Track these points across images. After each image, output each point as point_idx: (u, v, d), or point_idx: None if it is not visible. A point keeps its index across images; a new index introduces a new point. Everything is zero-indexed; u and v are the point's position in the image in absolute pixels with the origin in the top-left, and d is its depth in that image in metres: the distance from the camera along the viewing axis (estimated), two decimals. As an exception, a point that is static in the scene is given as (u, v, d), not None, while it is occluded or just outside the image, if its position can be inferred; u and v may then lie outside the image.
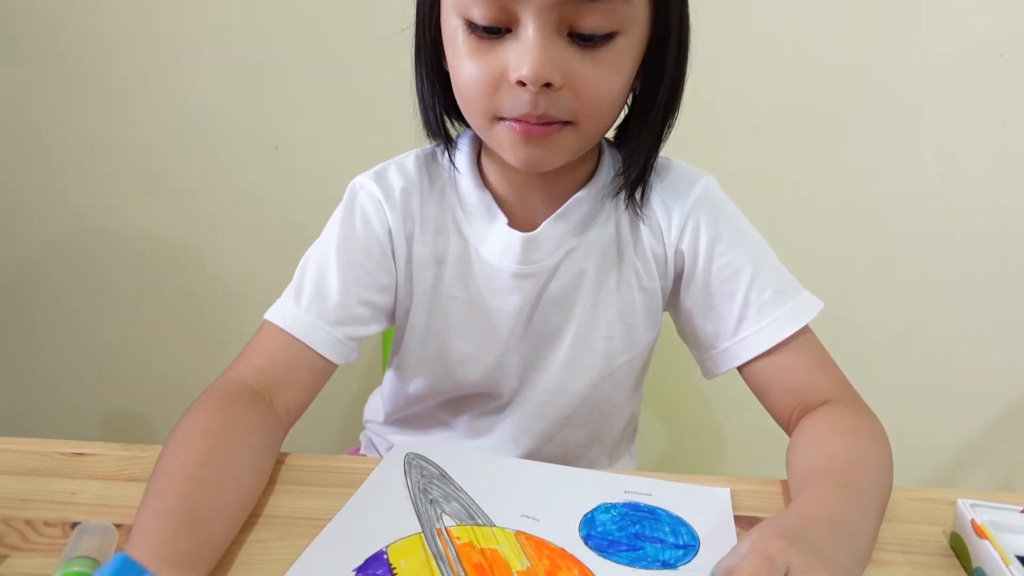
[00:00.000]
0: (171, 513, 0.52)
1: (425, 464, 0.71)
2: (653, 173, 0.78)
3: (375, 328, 0.82)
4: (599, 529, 0.62)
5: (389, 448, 0.95)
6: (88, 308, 1.69)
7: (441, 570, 0.56)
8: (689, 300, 0.82)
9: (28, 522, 0.61)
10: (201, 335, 1.67)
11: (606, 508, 0.65)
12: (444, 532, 0.60)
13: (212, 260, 1.61)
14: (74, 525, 0.58)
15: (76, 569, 0.49)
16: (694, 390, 1.58)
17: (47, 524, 0.60)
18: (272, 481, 0.67)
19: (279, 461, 0.70)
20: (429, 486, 0.67)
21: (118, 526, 0.58)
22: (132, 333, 1.70)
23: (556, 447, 0.88)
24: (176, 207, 1.58)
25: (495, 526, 0.62)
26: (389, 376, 0.94)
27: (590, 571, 0.56)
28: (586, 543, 0.60)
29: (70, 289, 1.69)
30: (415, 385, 0.89)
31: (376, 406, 1.00)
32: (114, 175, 1.58)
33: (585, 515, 0.64)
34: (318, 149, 1.48)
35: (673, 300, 0.85)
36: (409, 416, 0.93)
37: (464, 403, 0.88)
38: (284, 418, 0.72)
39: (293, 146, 1.49)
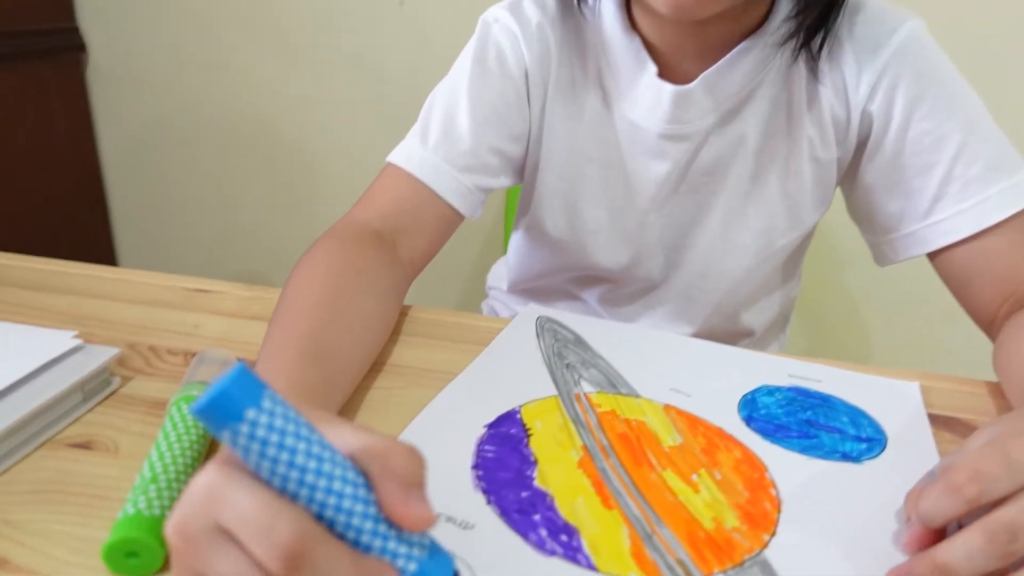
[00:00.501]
0: (296, 345, 0.47)
1: (559, 328, 0.64)
2: (841, 15, 0.64)
3: (503, 182, 0.74)
4: (762, 412, 0.53)
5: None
6: (214, 162, 1.72)
7: (581, 435, 0.49)
8: (872, 173, 0.69)
9: (152, 348, 0.59)
10: (316, 195, 1.66)
11: (769, 391, 0.56)
12: (583, 398, 0.54)
13: (331, 118, 1.58)
14: (195, 355, 0.55)
15: (195, 393, 0.46)
16: (838, 287, 1.43)
17: (170, 352, 0.58)
18: (396, 332, 0.63)
19: (402, 313, 0.66)
20: (564, 350, 0.60)
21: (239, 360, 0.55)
22: (253, 189, 1.72)
23: (701, 337, 0.79)
24: (297, 64, 1.54)
25: (640, 397, 0.54)
26: (515, 242, 0.86)
27: (755, 455, 0.48)
28: (747, 424, 0.52)
29: (196, 143, 1.71)
30: (542, 256, 0.81)
31: (500, 274, 0.94)
32: (238, 33, 1.55)
33: (744, 396, 0.55)
34: (447, 5, 1.38)
35: (851, 173, 0.72)
36: (536, 288, 0.86)
37: (596, 282, 0.80)
38: (408, 267, 0.66)
39: (419, 1, 1.39)
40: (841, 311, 1.45)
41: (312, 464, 0.30)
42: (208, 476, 0.30)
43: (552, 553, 0.39)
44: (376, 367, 0.57)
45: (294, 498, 0.30)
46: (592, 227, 0.75)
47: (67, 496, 0.42)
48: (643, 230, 0.73)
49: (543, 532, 0.40)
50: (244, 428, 0.29)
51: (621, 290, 0.79)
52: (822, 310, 1.45)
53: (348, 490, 0.30)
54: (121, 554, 0.36)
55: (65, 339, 0.51)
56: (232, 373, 0.29)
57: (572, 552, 0.39)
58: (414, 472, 0.31)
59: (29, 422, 0.45)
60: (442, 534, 0.40)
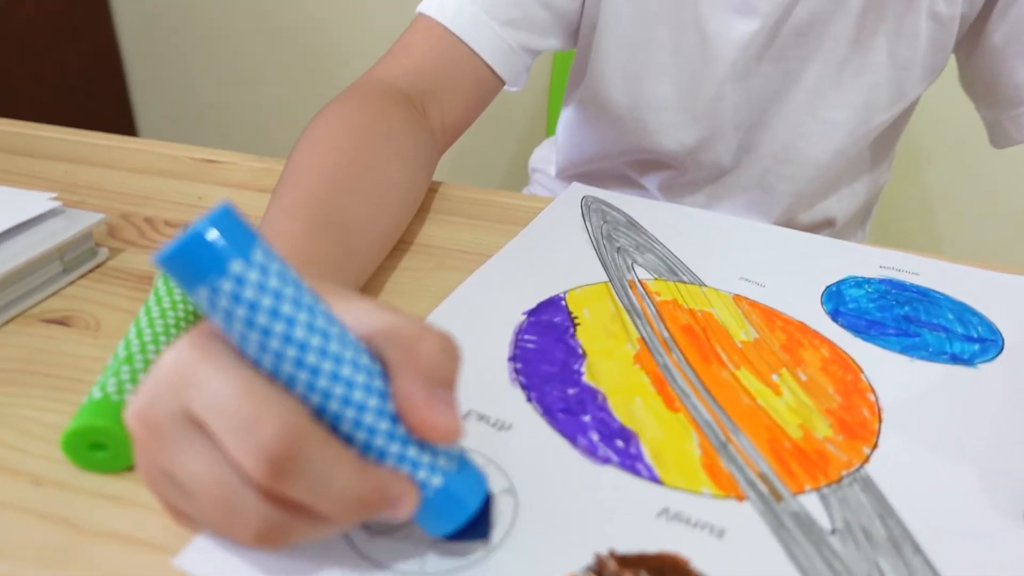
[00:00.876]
0: (306, 212, 0.40)
1: (608, 209, 0.55)
2: None
3: (552, 43, 0.64)
4: (850, 306, 0.45)
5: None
6: (234, 36, 1.63)
7: (637, 326, 0.42)
8: (1002, 33, 0.57)
9: (148, 219, 0.52)
10: (338, 69, 1.56)
11: (857, 282, 0.48)
12: (638, 285, 0.46)
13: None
14: (194, 225, 0.48)
15: (186, 264, 0.39)
16: (915, 183, 1.31)
17: (167, 223, 0.51)
18: (424, 209, 0.55)
19: (431, 190, 0.58)
20: (614, 233, 0.52)
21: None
22: (273, 62, 1.62)
23: None
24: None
25: (706, 286, 0.46)
26: (565, 119, 0.76)
27: (846, 353, 0.40)
28: (834, 319, 0.44)
29: (215, 16, 1.61)
30: (596, 136, 0.71)
31: (547, 156, 0.84)
32: None
33: (828, 287, 0.47)
34: None
35: (974, 33, 0.60)
36: (588, 173, 0.76)
37: (657, 167, 0.70)
38: (439, 135, 0.58)
39: None
40: (913, 211, 1.33)
41: (314, 341, 0.23)
42: (179, 352, 0.23)
43: (606, 461, 0.32)
44: (401, 246, 0.50)
45: (288, 386, 0.23)
46: (657, 102, 0.64)
47: (36, 377, 0.36)
48: (716, 106, 0.63)
49: (594, 436, 0.34)
50: (227, 286, 0.22)
51: (685, 177, 0.69)
52: (892, 208, 1.33)
53: (359, 379, 0.23)
54: (84, 445, 0.29)
55: (41, 201, 0.44)
56: (214, 213, 0.22)
57: (630, 460, 0.32)
58: (445, 368, 0.24)
59: (-3, 292, 0.39)
60: (474, 433, 0.33)
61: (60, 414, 0.33)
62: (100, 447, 0.30)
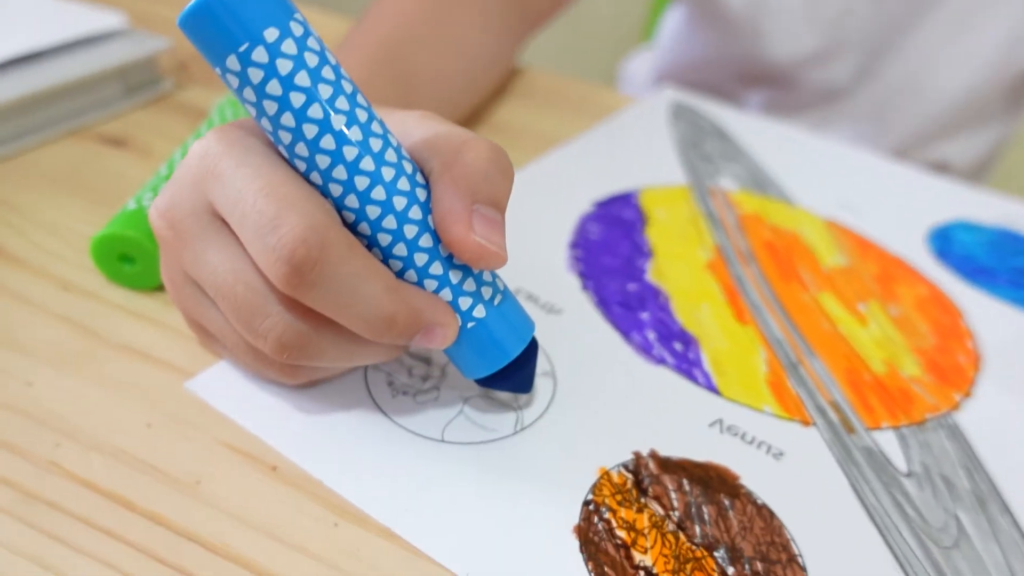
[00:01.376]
0: (369, 52, 0.36)
1: (699, 118, 0.51)
2: None
3: None
4: (959, 250, 0.40)
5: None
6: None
7: (714, 233, 0.38)
8: None
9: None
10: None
11: (968, 227, 0.42)
12: (720, 193, 0.42)
13: None
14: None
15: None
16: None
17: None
18: (504, 90, 0.51)
19: (515, 73, 0.54)
20: (701, 140, 0.48)
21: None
22: None
23: None
24: None
25: (796, 206, 0.42)
26: (671, 23, 0.70)
27: (947, 296, 0.36)
28: (940, 258, 0.39)
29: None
30: (704, 41, 0.65)
31: (640, 66, 0.79)
32: None
33: (936, 228, 0.42)
34: None
35: None
36: (689, 83, 0.71)
37: (765, 82, 0.64)
38: (528, 14, 0.53)
39: None
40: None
41: (353, 134, 0.20)
42: (205, 145, 0.21)
43: (660, 361, 0.29)
44: (473, 121, 0.46)
45: (322, 187, 0.20)
46: (778, 4, 0.58)
47: (82, 190, 0.35)
48: (843, 19, 0.56)
49: (651, 335, 0.30)
50: (260, 56, 0.19)
51: (793, 96, 0.63)
52: (1016, 163, 1.21)
53: (401, 185, 0.20)
54: (113, 255, 0.28)
55: (109, 19, 0.42)
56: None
57: (687, 365, 0.29)
58: (491, 182, 0.21)
59: (56, 100, 0.38)
60: (519, 313, 0.30)
61: (98, 227, 0.32)
62: (129, 260, 0.28)
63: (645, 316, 0.31)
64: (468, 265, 0.21)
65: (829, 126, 0.62)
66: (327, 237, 0.19)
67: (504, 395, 0.26)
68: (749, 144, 0.48)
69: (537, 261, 0.34)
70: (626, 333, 0.30)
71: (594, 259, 0.34)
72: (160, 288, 0.29)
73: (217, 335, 0.23)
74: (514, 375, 0.24)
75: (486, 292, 0.22)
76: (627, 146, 0.45)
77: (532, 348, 0.24)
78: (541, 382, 0.27)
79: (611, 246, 0.36)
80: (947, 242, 0.41)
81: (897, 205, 0.43)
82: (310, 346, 0.21)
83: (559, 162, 0.42)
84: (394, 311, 0.20)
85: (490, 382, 0.24)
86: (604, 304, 0.32)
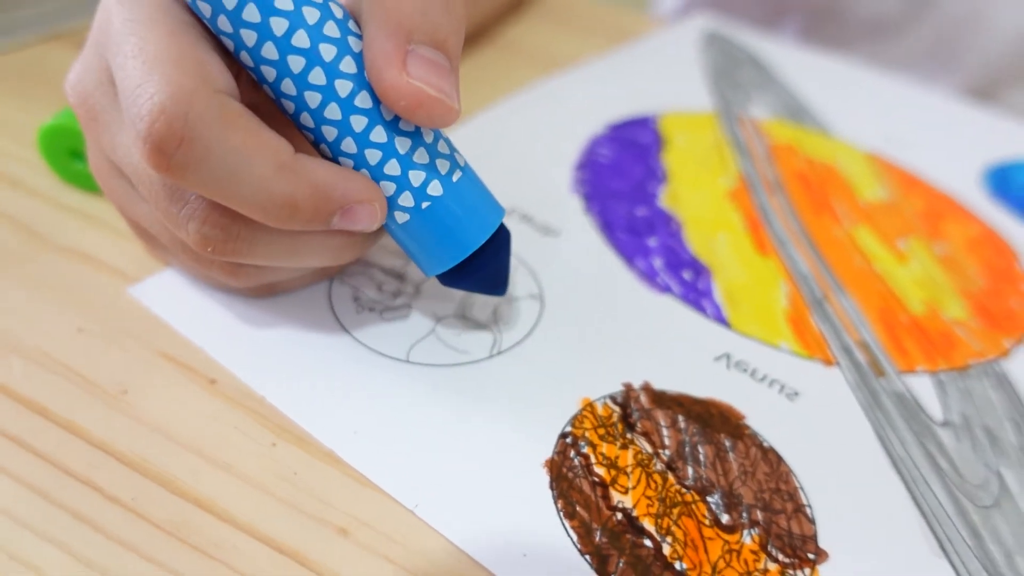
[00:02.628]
0: None
1: (732, 47, 0.46)
2: None
3: None
4: (1019, 191, 0.36)
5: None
6: None
7: (739, 162, 0.34)
8: None
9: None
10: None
11: (1031, 167, 0.38)
12: (749, 122, 0.38)
13: None
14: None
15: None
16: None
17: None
18: (522, 11, 0.47)
19: (531, -6, 0.50)
20: (734, 69, 0.43)
21: None
22: None
23: None
24: None
25: (834, 138, 0.38)
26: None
27: (1002, 237, 0.32)
28: (997, 197, 0.34)
29: None
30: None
31: None
32: None
33: (996, 165, 0.37)
34: None
35: None
36: (722, 12, 0.65)
37: (812, 13, 0.58)
38: None
39: None
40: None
41: None
42: (103, 6, 0.18)
43: (665, 289, 0.26)
44: (481, 38, 0.43)
45: (232, 32, 0.17)
46: None
47: (50, 93, 0.32)
48: None
49: (657, 261, 0.27)
50: None
51: (837, 27, 0.57)
52: None
53: (329, 31, 0.17)
54: (63, 150, 0.25)
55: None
56: None
57: (695, 295, 0.26)
58: (430, 21, 0.17)
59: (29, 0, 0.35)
60: (511, 232, 0.27)
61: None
62: (80, 156, 0.25)
63: (652, 242, 0.28)
64: (410, 119, 0.17)
65: (880, 65, 0.57)
66: (194, 106, 0.16)
67: (482, 316, 0.23)
68: (787, 74, 0.43)
69: (537, 183, 0.30)
70: (629, 259, 0.27)
71: (601, 182, 0.31)
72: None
73: (152, 231, 0.21)
74: (482, 270, 0.20)
75: (442, 166, 0.19)
76: (651, 71, 0.41)
77: (503, 239, 0.20)
78: (525, 305, 0.24)
79: (622, 169, 0.32)
80: (1007, 181, 0.36)
81: (951, 140, 0.39)
82: (236, 239, 0.18)
83: (574, 82, 0.38)
84: (291, 191, 0.17)
85: (455, 279, 0.20)
86: (608, 228, 0.28)
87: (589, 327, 0.24)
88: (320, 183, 0.17)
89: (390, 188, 0.18)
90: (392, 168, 0.18)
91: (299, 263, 0.19)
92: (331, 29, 0.17)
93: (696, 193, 0.31)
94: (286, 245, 0.18)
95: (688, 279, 0.26)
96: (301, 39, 0.17)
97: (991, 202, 0.34)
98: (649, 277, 0.26)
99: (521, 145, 0.32)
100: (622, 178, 0.31)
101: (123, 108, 0.16)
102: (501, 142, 0.32)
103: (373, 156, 0.18)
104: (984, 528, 0.19)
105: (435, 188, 0.18)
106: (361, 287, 0.24)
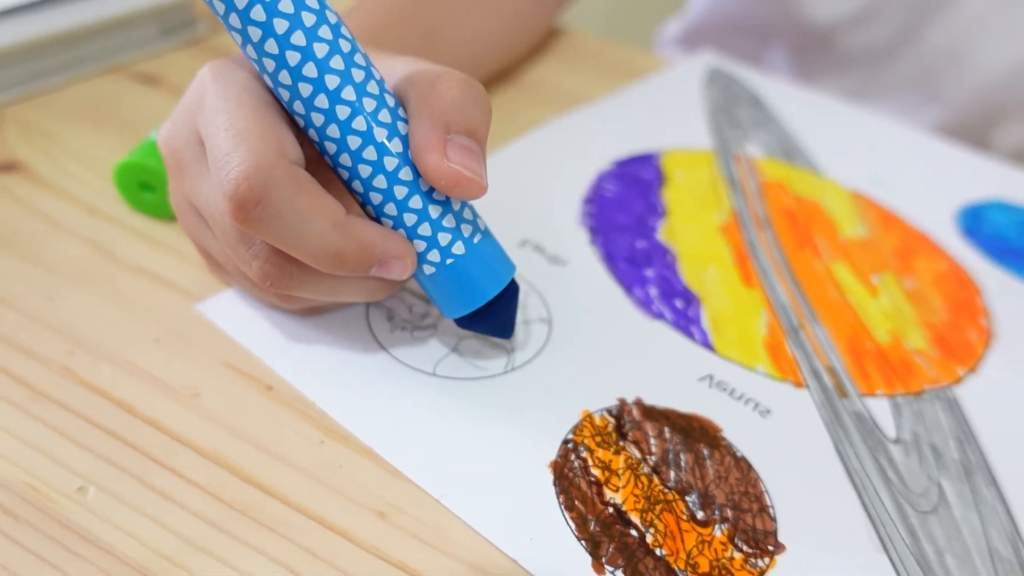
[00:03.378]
0: (395, 10, 0.37)
1: (734, 83, 0.50)
2: None
3: None
4: (989, 229, 0.39)
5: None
6: None
7: (732, 198, 0.38)
8: None
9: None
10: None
11: (1003, 208, 0.41)
12: (745, 160, 0.41)
13: None
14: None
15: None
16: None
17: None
18: (541, 51, 0.51)
19: (553, 34, 0.53)
20: (734, 106, 0.47)
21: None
22: None
23: None
24: None
25: (822, 177, 0.41)
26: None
27: (967, 273, 0.35)
28: (967, 236, 0.38)
29: None
30: (734, 3, 0.63)
31: (673, 29, 0.77)
32: None
33: (967, 206, 0.41)
34: None
35: None
36: (716, 45, 0.69)
37: (802, 47, 0.61)
38: None
39: None
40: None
41: (335, 63, 0.20)
42: (199, 75, 0.22)
43: (658, 316, 0.29)
44: (502, 78, 0.46)
45: (304, 114, 0.21)
46: None
47: (114, 123, 0.36)
48: None
49: (652, 291, 0.31)
50: None
51: (820, 52, 0.60)
52: None
53: (382, 117, 0.21)
54: (135, 183, 0.29)
55: (151, -39, 0.43)
56: None
57: (684, 322, 0.29)
58: (466, 113, 0.21)
59: (95, 37, 0.39)
60: (524, 262, 0.31)
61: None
62: (149, 188, 0.29)
63: (650, 273, 0.32)
64: (447, 194, 0.21)
65: (868, 96, 0.60)
66: (272, 175, 0.19)
67: (497, 338, 0.27)
68: (783, 113, 0.47)
69: (549, 214, 0.34)
70: (628, 288, 0.30)
71: (606, 216, 0.35)
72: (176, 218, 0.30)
73: (220, 261, 0.25)
74: (493, 317, 0.24)
75: (465, 230, 0.22)
76: (656, 108, 0.45)
77: (512, 291, 0.24)
78: (536, 328, 0.28)
79: (625, 204, 0.36)
80: (977, 221, 0.40)
81: (930, 180, 0.42)
82: (291, 277, 0.22)
83: (585, 119, 0.42)
84: (341, 247, 0.20)
85: (470, 323, 0.24)
86: (610, 259, 0.32)
87: (591, 348, 0.27)
88: (365, 240, 0.21)
89: (421, 246, 0.22)
90: (424, 230, 0.22)
91: (339, 299, 0.23)
92: (384, 116, 0.21)
93: (691, 227, 0.35)
94: (330, 285, 0.22)
95: (679, 307, 0.30)
96: (360, 123, 0.21)
97: (962, 240, 0.38)
98: (645, 305, 0.30)
99: (535, 180, 0.36)
100: (625, 212, 0.35)
101: (212, 169, 0.20)
102: (517, 177, 0.36)
103: (409, 219, 0.22)
104: (921, 530, 0.23)
105: (458, 248, 0.22)
106: (394, 308, 0.27)
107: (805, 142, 0.44)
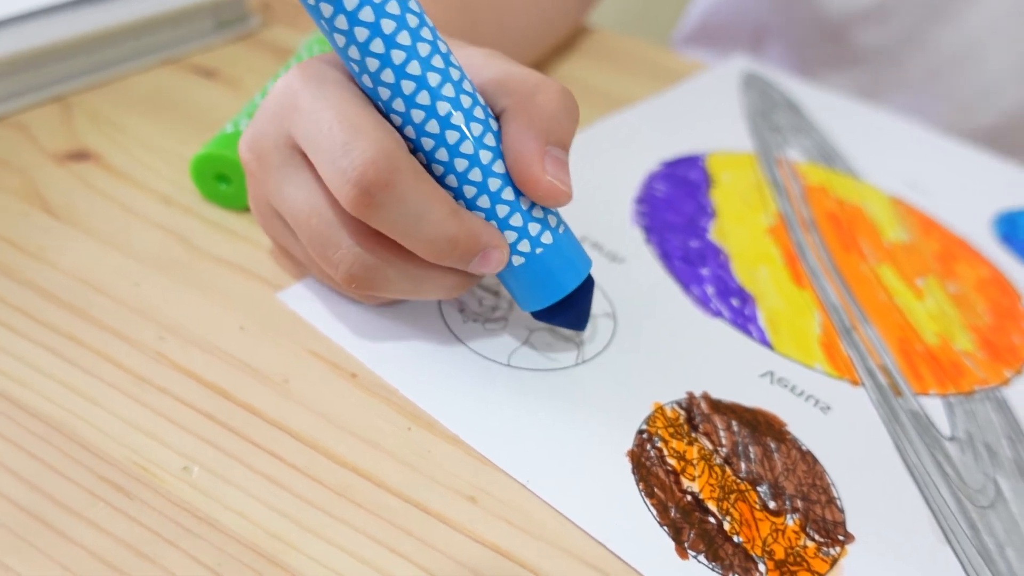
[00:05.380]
0: (445, 17, 0.38)
1: (770, 88, 0.51)
2: None
3: None
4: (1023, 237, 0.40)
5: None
6: None
7: (777, 201, 0.39)
8: None
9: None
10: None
11: (1037, 215, 0.42)
12: (786, 164, 0.42)
13: None
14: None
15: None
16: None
17: None
18: (570, 48, 0.52)
19: (582, 32, 0.54)
20: (772, 112, 0.48)
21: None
22: None
23: None
24: None
25: (862, 181, 0.42)
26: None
27: (1008, 279, 0.36)
28: (1005, 242, 0.39)
29: None
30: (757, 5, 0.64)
31: (684, 25, 0.78)
32: None
33: (1005, 212, 0.42)
34: None
35: None
36: (718, 38, 0.69)
37: (813, 42, 0.62)
38: None
39: None
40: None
41: (436, 63, 0.21)
42: (287, 79, 0.23)
43: (717, 314, 0.30)
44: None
45: (404, 112, 0.22)
46: None
47: (177, 115, 0.37)
48: None
49: (709, 289, 0.32)
50: None
51: (842, 55, 0.60)
52: None
53: (477, 114, 0.22)
54: (210, 174, 0.30)
55: (207, -44, 0.44)
56: None
57: (743, 320, 0.30)
58: (562, 125, 0.22)
59: (155, 29, 0.40)
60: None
61: (194, 149, 0.34)
62: (224, 179, 0.30)
63: (705, 272, 0.32)
64: (540, 203, 0.22)
65: (876, 95, 0.60)
66: (396, 161, 0.20)
67: (566, 331, 0.28)
68: (820, 118, 0.48)
69: (604, 213, 0.35)
70: (686, 285, 0.31)
71: (659, 215, 0.36)
72: (249, 209, 0.31)
73: (301, 260, 0.25)
74: (570, 310, 0.25)
75: (551, 220, 0.23)
76: (696, 111, 0.46)
77: (588, 285, 0.25)
78: (602, 322, 0.28)
79: (676, 204, 0.37)
80: (1015, 227, 0.41)
81: (965, 187, 0.43)
82: (376, 278, 0.22)
83: (629, 121, 0.43)
84: (456, 233, 0.21)
85: (546, 316, 0.25)
86: (666, 257, 0.33)
87: (655, 344, 0.28)
88: (474, 229, 0.22)
89: (512, 236, 0.23)
90: (516, 220, 0.23)
91: (418, 297, 0.24)
92: (479, 112, 0.22)
93: (740, 228, 0.36)
94: (411, 283, 0.23)
95: (736, 306, 0.31)
96: (457, 119, 0.22)
97: (999, 246, 0.39)
98: (703, 303, 0.31)
99: (587, 179, 0.37)
100: (676, 212, 0.36)
101: (326, 162, 0.21)
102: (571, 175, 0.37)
103: (502, 210, 0.23)
104: (981, 524, 0.24)
105: (547, 237, 0.23)
106: (465, 301, 0.28)
107: (843, 147, 0.45)
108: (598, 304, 0.29)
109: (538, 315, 0.25)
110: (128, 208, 0.30)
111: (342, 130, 0.20)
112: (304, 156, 0.23)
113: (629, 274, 0.31)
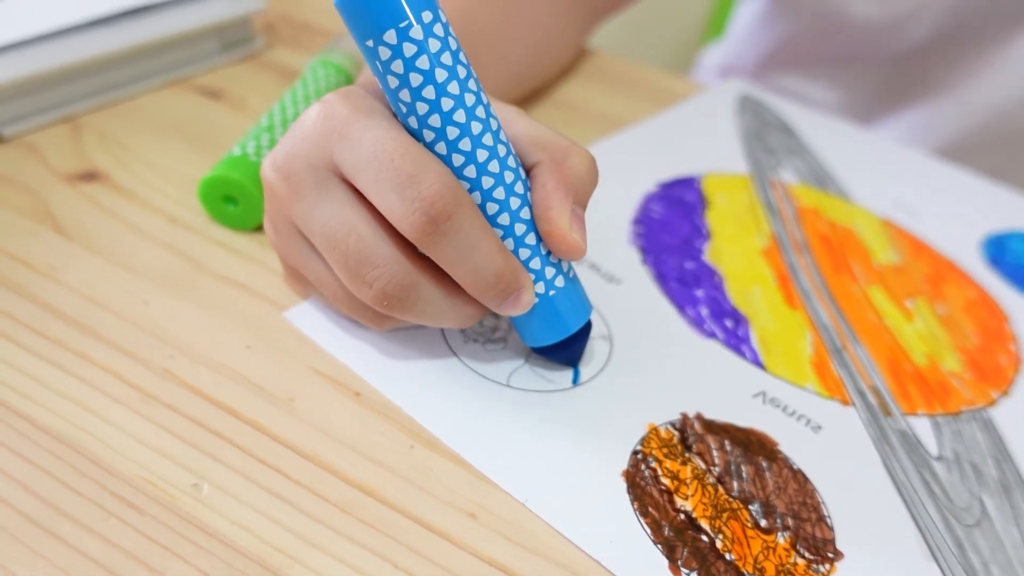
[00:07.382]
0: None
1: (764, 110, 0.52)
2: None
3: None
4: (1012, 258, 0.41)
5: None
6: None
7: (770, 223, 0.39)
8: None
9: (305, 24, 0.52)
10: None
11: (1025, 238, 0.43)
12: (780, 185, 0.43)
13: None
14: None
15: (336, 60, 0.39)
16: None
17: (323, 34, 0.52)
18: (571, 71, 0.53)
19: (584, 55, 0.55)
20: (767, 134, 0.49)
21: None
22: None
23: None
24: None
25: (853, 203, 0.43)
26: (742, 18, 0.71)
27: (995, 300, 0.37)
28: (992, 265, 0.40)
29: None
30: (774, 27, 0.65)
31: (712, 59, 0.79)
32: None
33: (992, 235, 0.43)
34: None
35: None
36: (759, 74, 0.71)
37: (849, 67, 0.62)
38: (598, 3, 0.54)
39: None
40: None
41: (479, 112, 0.23)
42: (328, 105, 0.23)
43: (711, 335, 0.31)
44: (537, 96, 0.48)
45: (446, 155, 0.23)
46: None
47: (183, 136, 0.37)
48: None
49: (704, 311, 0.32)
50: (416, 33, 0.21)
51: (875, 76, 0.61)
52: None
53: (510, 163, 0.23)
54: (218, 196, 0.31)
55: (212, -22, 0.45)
56: None
57: (736, 341, 0.31)
58: (586, 188, 0.24)
59: (161, 51, 0.41)
60: (582, 279, 0.32)
61: (199, 169, 0.35)
62: (232, 201, 0.31)
63: (699, 293, 0.33)
64: (558, 256, 0.24)
65: (897, 102, 0.61)
66: (459, 195, 0.22)
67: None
68: (812, 141, 0.49)
69: (601, 234, 0.36)
70: (680, 307, 0.32)
71: (655, 236, 0.36)
72: (255, 230, 0.32)
73: (314, 282, 0.26)
74: (568, 348, 0.26)
75: (564, 266, 0.25)
76: (693, 133, 0.47)
77: (587, 327, 0.27)
78: (599, 344, 0.29)
79: (671, 226, 0.37)
80: (1001, 250, 0.41)
81: (954, 209, 0.44)
82: (409, 298, 0.23)
83: (627, 142, 0.44)
84: (502, 267, 0.23)
85: (545, 351, 0.27)
86: (662, 278, 0.34)
87: (650, 365, 0.29)
88: (516, 267, 0.23)
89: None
90: (535, 263, 0.24)
91: (435, 323, 0.25)
92: (511, 162, 0.23)
93: (734, 250, 0.37)
94: (436, 309, 0.24)
95: (729, 327, 0.32)
96: (494, 167, 0.23)
97: (987, 268, 0.39)
98: (697, 324, 0.31)
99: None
100: (671, 234, 0.37)
101: (388, 190, 0.22)
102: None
103: (524, 253, 0.24)
104: (967, 541, 0.24)
105: (559, 281, 0.25)
106: (465, 321, 0.29)
107: (835, 169, 0.46)
108: (595, 327, 0.30)
109: (538, 349, 0.26)
110: (136, 227, 0.31)
111: (406, 162, 0.21)
112: (342, 179, 0.23)
113: (626, 296, 0.32)
